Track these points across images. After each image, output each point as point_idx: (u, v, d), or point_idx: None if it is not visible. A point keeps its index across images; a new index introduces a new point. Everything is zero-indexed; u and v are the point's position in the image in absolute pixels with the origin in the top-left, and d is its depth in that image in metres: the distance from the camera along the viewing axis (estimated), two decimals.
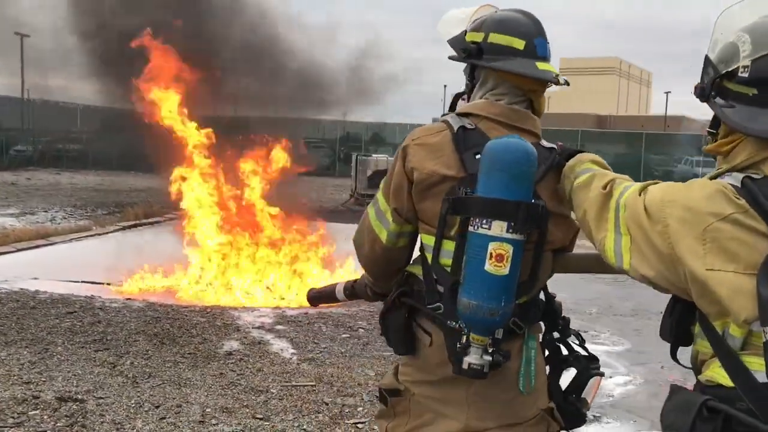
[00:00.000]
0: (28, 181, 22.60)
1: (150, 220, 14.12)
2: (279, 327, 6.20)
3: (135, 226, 13.43)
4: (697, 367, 1.49)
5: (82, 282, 8.52)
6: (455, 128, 1.90)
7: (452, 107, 2.11)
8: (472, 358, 1.77)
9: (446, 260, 1.87)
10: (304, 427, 4.02)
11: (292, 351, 5.51)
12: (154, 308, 6.68)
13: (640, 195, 1.50)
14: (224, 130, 10.49)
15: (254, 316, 6.59)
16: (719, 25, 1.49)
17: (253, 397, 4.44)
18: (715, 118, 1.50)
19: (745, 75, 1.38)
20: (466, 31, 2.02)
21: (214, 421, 4.03)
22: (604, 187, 1.61)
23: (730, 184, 1.36)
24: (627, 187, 1.57)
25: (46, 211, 14.61)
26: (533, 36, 1.94)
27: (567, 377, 2.11)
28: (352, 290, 2.47)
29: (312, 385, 4.70)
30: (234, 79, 13.29)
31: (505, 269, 1.71)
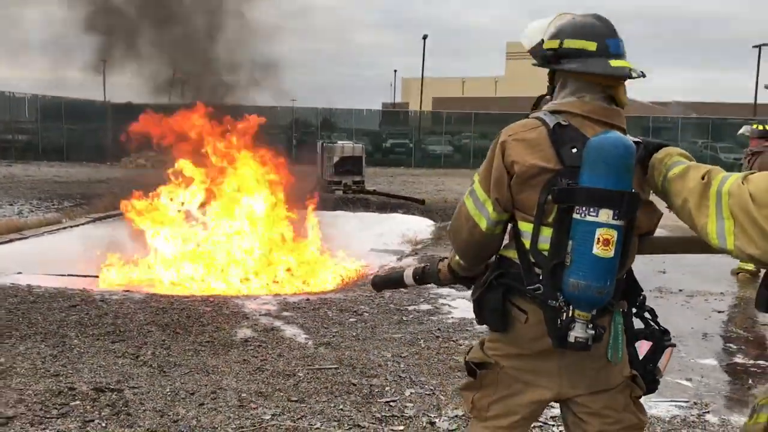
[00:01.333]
0: None
1: (120, 211, 13.93)
2: (285, 314, 6.34)
3: (106, 217, 13.27)
4: None
5: (69, 275, 8.47)
6: (551, 125, 2.10)
7: (536, 106, 2.30)
8: (578, 332, 1.99)
9: (544, 245, 2.08)
10: (341, 407, 4.20)
11: (305, 336, 5.66)
12: (156, 299, 6.73)
13: (743, 184, 1.73)
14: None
15: (258, 303, 6.71)
16: None
17: (283, 381, 4.60)
18: None
19: None
20: (543, 40, 2.23)
21: (253, 405, 4.17)
22: (703, 177, 1.84)
23: None
24: (726, 177, 1.80)
25: (11, 205, 14.28)
26: (605, 36, 2.15)
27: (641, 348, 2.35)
28: (423, 276, 2.67)
29: (336, 368, 4.88)
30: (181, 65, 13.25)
31: (611, 252, 1.94)
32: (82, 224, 12.55)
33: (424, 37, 42.25)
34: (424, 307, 6.82)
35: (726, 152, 33.37)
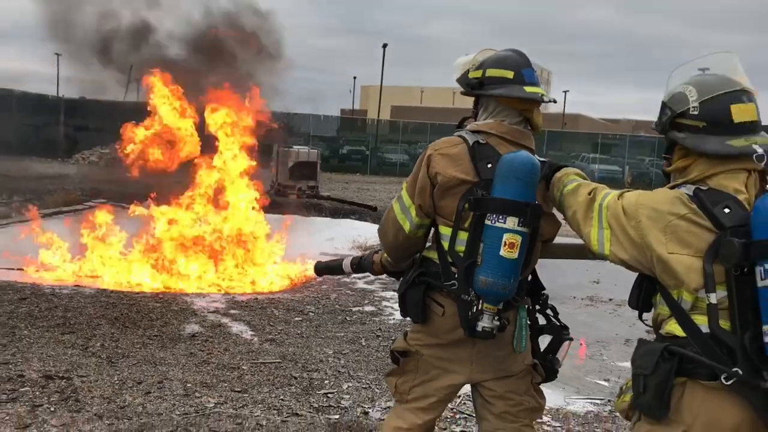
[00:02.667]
0: None
1: (70, 207, 13.91)
2: (233, 311, 6.56)
3: (56, 213, 13.20)
4: (657, 324, 2.08)
5: (18, 269, 8.50)
6: (470, 142, 2.44)
7: (459, 126, 2.64)
8: (485, 323, 2.32)
9: (460, 247, 2.41)
10: (281, 397, 4.47)
11: (251, 333, 5.91)
12: (106, 294, 6.88)
13: (618, 199, 2.09)
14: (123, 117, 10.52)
15: (207, 301, 6.91)
16: (670, 81, 2.10)
17: (227, 373, 4.84)
18: (669, 146, 2.11)
19: (696, 113, 1.99)
20: (469, 71, 2.57)
21: (197, 394, 4.41)
22: (589, 194, 2.19)
23: (685, 193, 1.97)
24: (607, 194, 2.16)
25: None
26: (521, 67, 2.51)
27: (543, 341, 2.70)
28: (359, 265, 3.00)
29: (279, 362, 5.14)
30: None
31: (515, 254, 2.27)
32: (32, 220, 12.47)
33: (384, 46, 42.67)
34: (368, 308, 7.12)
35: None
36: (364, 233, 13.48)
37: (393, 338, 6.01)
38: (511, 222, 2.27)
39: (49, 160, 27.87)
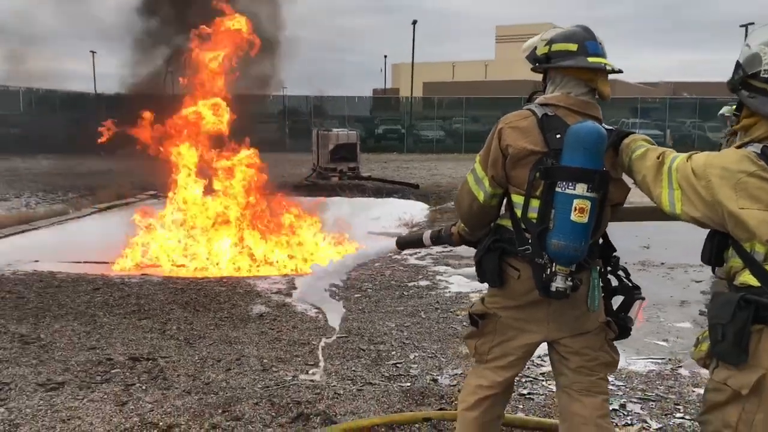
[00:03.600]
0: None
1: (123, 201, 14.38)
2: (294, 291, 6.81)
3: (110, 207, 13.69)
4: (731, 277, 2.21)
5: (85, 262, 8.91)
6: (539, 115, 2.58)
7: (530, 100, 2.78)
8: (558, 284, 2.48)
9: (533, 214, 2.56)
10: (353, 368, 4.69)
11: (315, 311, 6.15)
12: (173, 281, 7.21)
13: (687, 161, 2.21)
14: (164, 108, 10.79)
15: (269, 283, 7.19)
16: (749, 39, 2.20)
17: (299, 349, 5.09)
18: (739, 104, 2.22)
19: (766, 76, 2.10)
20: (536, 48, 2.71)
21: (274, 369, 4.66)
22: (658, 158, 2.32)
23: (753, 151, 2.09)
24: (675, 157, 2.29)
25: (18, 197, 14.67)
26: (584, 40, 2.64)
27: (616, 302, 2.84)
28: (438, 237, 3.17)
29: (345, 336, 5.37)
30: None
31: (585, 218, 2.42)
32: (88, 215, 12.96)
33: (414, 23, 42.57)
34: (423, 283, 7.31)
35: (714, 131, 33.77)
36: (409, 210, 13.69)
37: (451, 310, 6.21)
38: (581, 188, 2.41)
39: (92, 156, 28.56)
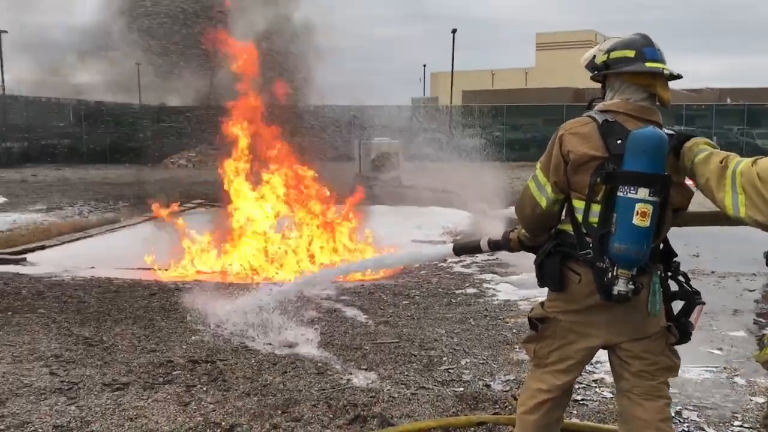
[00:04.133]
0: (34, 178, 22.97)
1: (173, 210, 14.68)
2: (344, 297, 6.93)
3: (157, 216, 13.99)
4: None
5: (138, 269, 9.15)
6: (600, 121, 2.64)
7: (589, 107, 2.83)
8: (620, 287, 2.52)
9: (594, 218, 2.61)
10: (405, 373, 4.77)
11: (365, 316, 6.24)
12: (224, 286, 7.37)
13: (752, 166, 2.25)
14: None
15: (318, 289, 7.30)
16: None
17: (352, 353, 5.18)
18: None
19: None
20: (595, 56, 2.77)
21: (329, 372, 4.76)
22: (721, 162, 2.36)
23: None
24: (739, 161, 2.32)
25: (71, 206, 15.15)
26: (642, 46, 2.69)
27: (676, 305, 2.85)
28: (496, 243, 3.23)
29: (396, 342, 5.45)
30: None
31: (647, 222, 2.46)
32: (140, 223, 13.29)
33: (453, 31, 42.60)
34: (470, 290, 7.35)
35: (763, 138, 33.14)
36: (452, 219, 13.72)
37: (500, 317, 6.25)
38: (642, 192, 2.46)
39: (139, 166, 29.28)
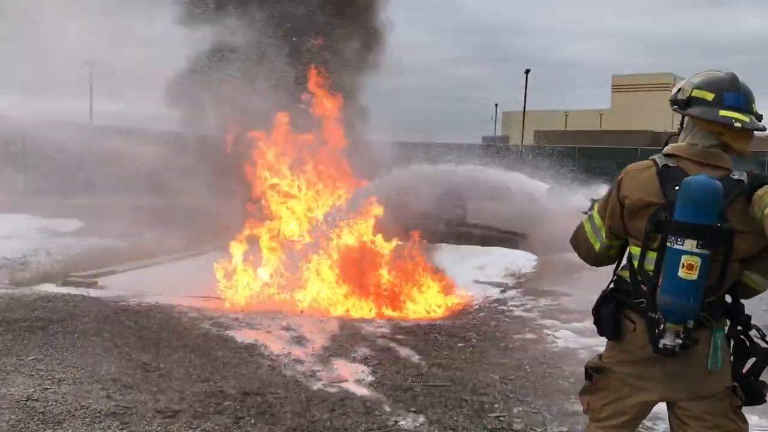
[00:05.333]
0: (112, 204, 23.89)
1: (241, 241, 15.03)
2: (398, 336, 6.89)
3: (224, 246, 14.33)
4: None
5: (202, 297, 9.36)
6: (660, 165, 2.54)
7: (665, 145, 2.71)
8: (666, 340, 2.41)
9: (649, 266, 2.51)
10: (455, 418, 4.67)
11: (419, 357, 6.18)
12: (283, 316, 7.46)
13: None
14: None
15: (373, 326, 7.29)
16: None
17: (401, 394, 5.12)
18: None
19: None
20: (681, 89, 2.64)
21: (377, 412, 4.72)
22: None
23: None
24: None
25: (144, 233, 15.65)
26: (723, 90, 2.53)
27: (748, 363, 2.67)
28: None
29: (448, 385, 5.36)
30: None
31: (693, 275, 2.35)
32: (208, 252, 13.64)
33: (527, 71, 42.51)
34: (529, 336, 7.18)
35: None
36: (516, 260, 13.49)
37: (558, 365, 6.06)
38: (689, 244, 2.34)
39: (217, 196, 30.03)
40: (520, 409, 4.91)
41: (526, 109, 43.91)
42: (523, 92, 42.58)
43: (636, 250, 2.57)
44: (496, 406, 4.97)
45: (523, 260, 13.38)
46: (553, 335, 7.21)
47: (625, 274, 2.65)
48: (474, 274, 11.88)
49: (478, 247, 15.09)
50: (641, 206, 2.53)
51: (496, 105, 66.66)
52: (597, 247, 2.69)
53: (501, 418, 4.72)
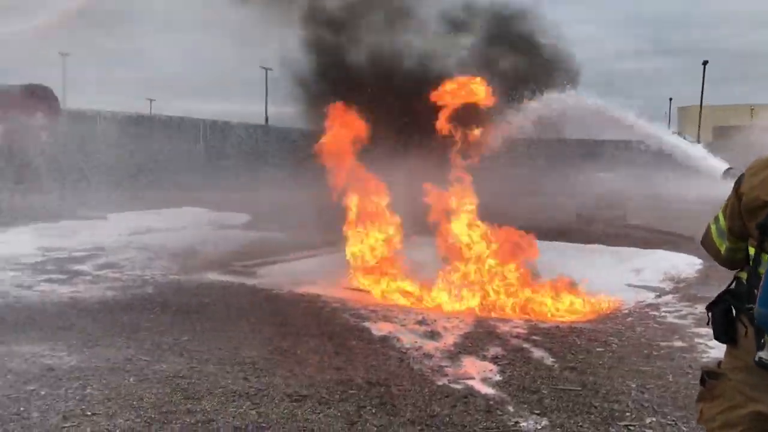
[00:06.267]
0: (279, 200, 25.30)
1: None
2: (534, 337, 6.73)
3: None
4: None
5: (350, 289, 9.70)
6: None
7: None
8: (763, 353, 2.19)
9: (762, 270, 2.29)
10: (579, 423, 4.50)
11: (552, 359, 6.00)
12: (417, 311, 7.57)
13: None
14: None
15: (509, 326, 7.18)
16: None
17: (528, 395, 5.01)
18: None
19: None
20: None
21: (499, 412, 4.66)
22: None
23: None
24: None
25: (305, 226, 16.42)
26: None
27: None
28: None
29: (579, 390, 5.17)
30: None
31: None
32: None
33: (704, 63, 39.62)
34: (678, 344, 6.73)
35: None
36: (677, 264, 12.62)
37: None
38: None
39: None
40: (654, 419, 4.63)
41: (705, 103, 40.88)
42: (701, 85, 39.64)
43: (752, 251, 2.36)
44: (627, 414, 4.72)
45: (684, 264, 12.48)
46: (706, 344, 6.68)
47: (743, 275, 2.43)
48: (628, 277, 11.30)
49: (635, 249, 14.27)
50: (757, 205, 2.31)
51: (671, 99, 62.74)
52: (723, 249, 2.50)
53: (630, 427, 4.48)
